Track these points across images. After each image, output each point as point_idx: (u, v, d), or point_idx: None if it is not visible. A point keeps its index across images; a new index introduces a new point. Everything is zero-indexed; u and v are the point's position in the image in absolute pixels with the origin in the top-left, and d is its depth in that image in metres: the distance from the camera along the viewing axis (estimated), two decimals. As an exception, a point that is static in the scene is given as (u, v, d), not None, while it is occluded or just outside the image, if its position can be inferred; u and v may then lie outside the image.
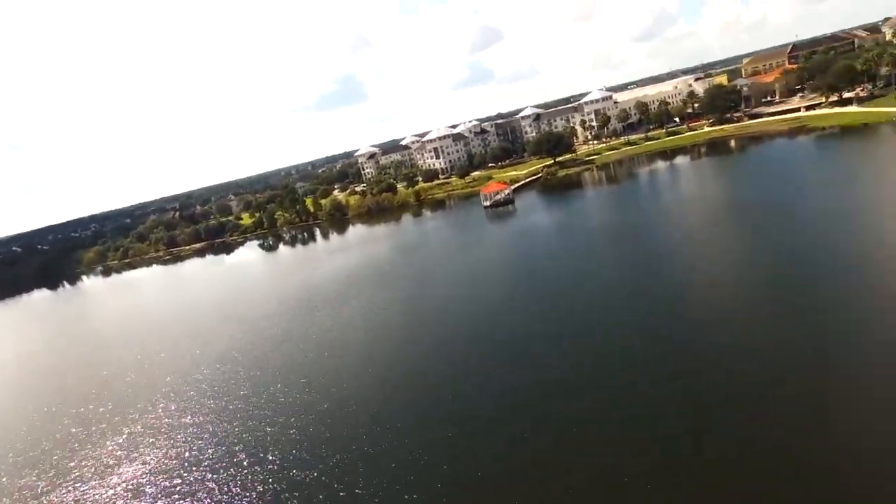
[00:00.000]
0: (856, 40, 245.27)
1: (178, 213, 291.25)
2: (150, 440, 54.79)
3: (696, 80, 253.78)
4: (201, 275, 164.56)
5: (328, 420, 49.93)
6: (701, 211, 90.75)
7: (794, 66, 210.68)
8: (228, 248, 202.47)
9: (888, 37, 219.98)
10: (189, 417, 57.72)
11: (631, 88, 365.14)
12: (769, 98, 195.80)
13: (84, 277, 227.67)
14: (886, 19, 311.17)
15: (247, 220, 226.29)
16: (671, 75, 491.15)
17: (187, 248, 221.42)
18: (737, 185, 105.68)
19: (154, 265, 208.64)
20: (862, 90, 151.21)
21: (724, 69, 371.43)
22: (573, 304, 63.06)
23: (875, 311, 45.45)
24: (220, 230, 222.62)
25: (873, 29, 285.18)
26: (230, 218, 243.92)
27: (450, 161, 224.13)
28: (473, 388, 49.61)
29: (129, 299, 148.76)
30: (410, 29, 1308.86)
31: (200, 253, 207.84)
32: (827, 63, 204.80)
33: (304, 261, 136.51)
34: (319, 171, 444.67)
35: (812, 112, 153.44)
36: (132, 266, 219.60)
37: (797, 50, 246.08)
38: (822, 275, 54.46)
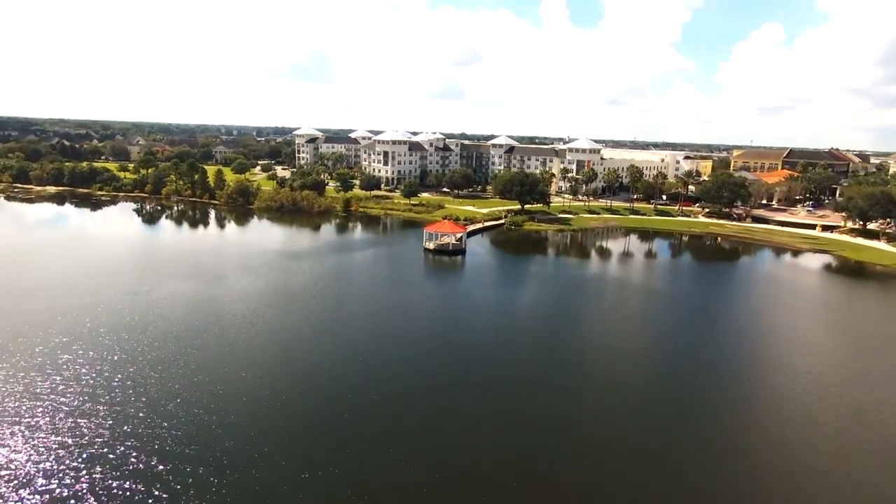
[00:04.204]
0: (850, 164, 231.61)
1: (58, 143, 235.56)
2: None
3: (685, 158, 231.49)
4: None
5: None
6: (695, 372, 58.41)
7: (798, 174, 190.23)
8: (93, 204, 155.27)
9: (892, 169, 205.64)
10: None
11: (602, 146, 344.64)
12: (766, 201, 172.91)
13: None
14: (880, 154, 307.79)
15: (129, 175, 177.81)
16: (634, 144, 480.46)
17: (38, 188, 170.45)
18: (763, 335, 74.54)
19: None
20: (888, 225, 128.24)
21: (695, 152, 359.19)
22: None
23: None
24: (90, 179, 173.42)
25: (862, 156, 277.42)
26: (110, 167, 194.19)
27: (399, 171, 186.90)
28: None
29: None
30: (395, 24, 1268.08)
31: (59, 200, 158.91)
32: (829, 179, 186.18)
33: (159, 259, 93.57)
34: (257, 139, 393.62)
35: (831, 235, 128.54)
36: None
37: (794, 156, 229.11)
38: None
